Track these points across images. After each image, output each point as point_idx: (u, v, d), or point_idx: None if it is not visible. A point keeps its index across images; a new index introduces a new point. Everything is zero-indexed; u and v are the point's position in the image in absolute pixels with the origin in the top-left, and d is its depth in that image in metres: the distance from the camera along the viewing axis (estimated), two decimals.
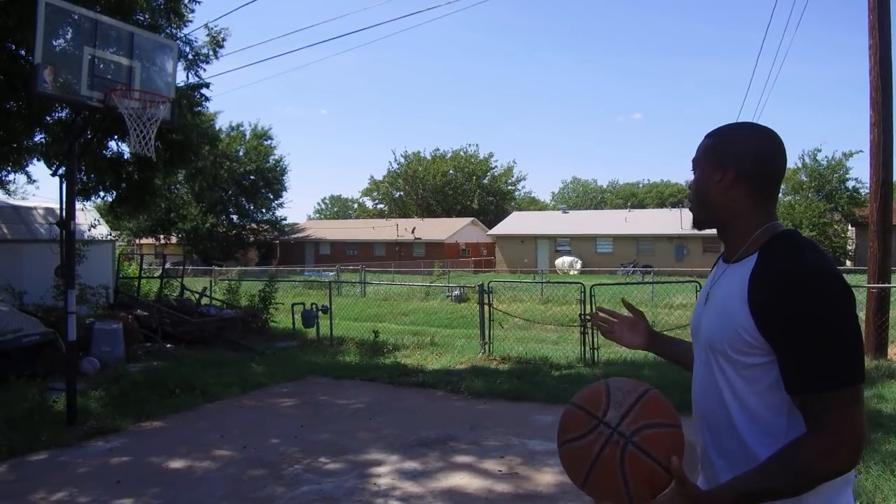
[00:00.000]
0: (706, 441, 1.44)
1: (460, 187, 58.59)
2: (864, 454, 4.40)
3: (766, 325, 1.27)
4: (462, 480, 4.38)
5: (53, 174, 8.95)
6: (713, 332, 1.39)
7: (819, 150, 36.36)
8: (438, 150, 61.34)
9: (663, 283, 18.38)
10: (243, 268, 31.33)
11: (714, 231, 1.49)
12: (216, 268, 26.30)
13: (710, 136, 1.49)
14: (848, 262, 29.77)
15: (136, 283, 12.86)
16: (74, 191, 6.02)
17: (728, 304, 1.36)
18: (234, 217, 45.02)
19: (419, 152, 60.84)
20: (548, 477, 4.40)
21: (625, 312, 1.89)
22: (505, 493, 4.14)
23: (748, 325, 1.29)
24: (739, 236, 1.42)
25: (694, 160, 1.50)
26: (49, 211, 12.90)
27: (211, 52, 10.59)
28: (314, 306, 11.02)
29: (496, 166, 61.02)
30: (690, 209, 1.53)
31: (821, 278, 1.24)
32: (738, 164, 1.40)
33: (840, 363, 1.22)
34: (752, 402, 1.33)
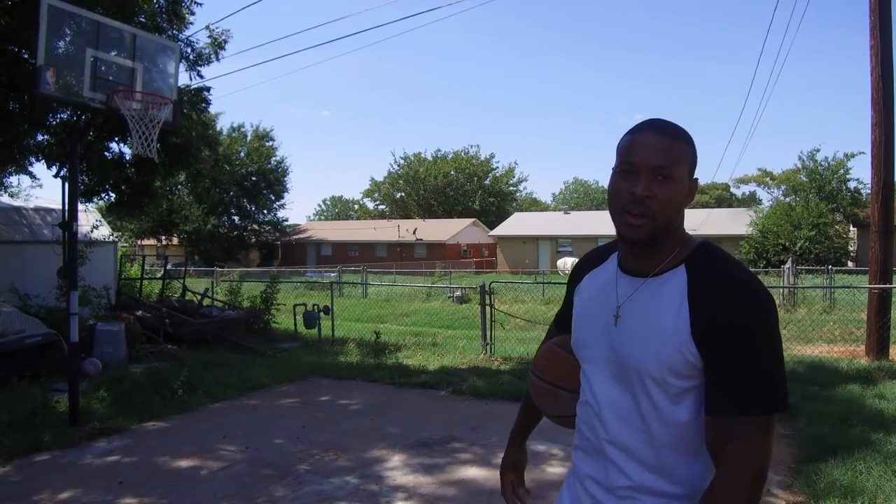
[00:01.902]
0: (614, 470, 1.33)
1: (462, 188, 58.61)
2: (864, 455, 4.40)
3: (705, 342, 1.19)
4: (464, 480, 4.39)
5: (56, 175, 8.97)
6: (645, 358, 1.26)
7: (818, 150, 36.34)
8: (440, 150, 61.47)
9: None
10: (245, 269, 31.37)
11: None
12: (218, 269, 26.32)
13: (678, 137, 1.29)
14: (850, 263, 29.67)
15: (137, 284, 12.88)
16: (76, 192, 6.03)
17: (663, 325, 1.24)
18: (236, 218, 45.14)
19: (420, 153, 60.98)
20: (549, 477, 4.40)
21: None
22: None
23: (693, 346, 1.20)
24: (668, 249, 1.29)
25: (667, 165, 1.25)
26: (51, 212, 12.92)
27: (212, 54, 10.63)
28: (316, 307, 11.05)
29: (497, 167, 61.11)
30: (642, 224, 1.25)
31: (764, 295, 1.20)
32: (694, 171, 1.33)
33: (776, 387, 1.17)
34: (687, 429, 1.25)
